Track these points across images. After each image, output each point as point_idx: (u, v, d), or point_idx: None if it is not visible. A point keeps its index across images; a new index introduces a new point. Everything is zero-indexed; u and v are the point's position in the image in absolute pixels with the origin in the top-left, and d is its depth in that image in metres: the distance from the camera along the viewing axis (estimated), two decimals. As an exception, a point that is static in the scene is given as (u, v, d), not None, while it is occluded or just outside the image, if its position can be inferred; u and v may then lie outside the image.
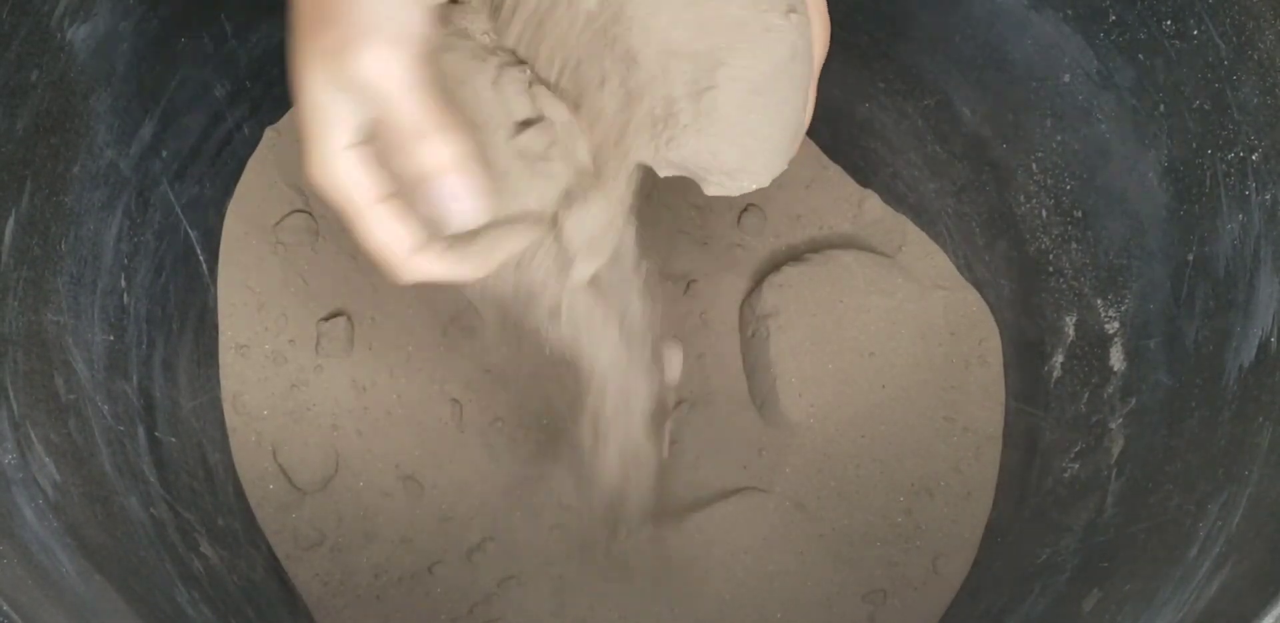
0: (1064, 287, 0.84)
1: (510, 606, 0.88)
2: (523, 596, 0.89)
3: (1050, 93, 0.78)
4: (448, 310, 0.93)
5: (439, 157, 0.48)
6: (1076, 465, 0.81)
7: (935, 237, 0.97)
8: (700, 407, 0.95)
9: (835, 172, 0.99)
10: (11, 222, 0.60)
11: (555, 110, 0.55)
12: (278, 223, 0.89)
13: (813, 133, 0.87)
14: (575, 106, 0.56)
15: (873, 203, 0.98)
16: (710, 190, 0.58)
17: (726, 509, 0.91)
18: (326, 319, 0.90)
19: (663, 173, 0.57)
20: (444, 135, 0.48)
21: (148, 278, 0.77)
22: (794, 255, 0.98)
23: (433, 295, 0.93)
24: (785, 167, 0.57)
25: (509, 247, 0.54)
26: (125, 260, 0.74)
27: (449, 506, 0.91)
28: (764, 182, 0.57)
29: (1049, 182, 0.82)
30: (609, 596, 0.89)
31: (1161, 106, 0.69)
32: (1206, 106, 0.66)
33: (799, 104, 0.56)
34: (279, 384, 0.89)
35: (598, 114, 0.55)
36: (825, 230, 0.99)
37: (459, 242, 0.52)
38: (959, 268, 0.96)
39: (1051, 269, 0.85)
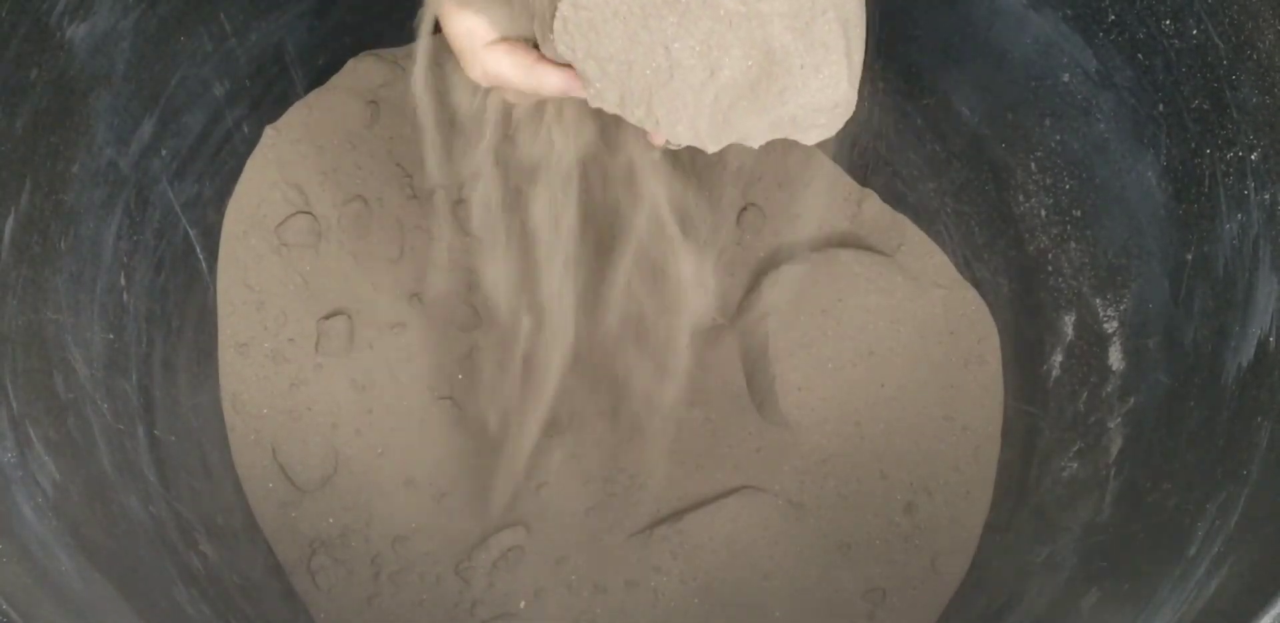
0: (1063, 286, 0.84)
1: (510, 604, 0.88)
2: (523, 594, 0.89)
3: (1049, 92, 0.78)
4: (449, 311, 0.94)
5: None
6: (1075, 465, 0.81)
7: (934, 236, 0.97)
8: (699, 405, 0.95)
9: (834, 170, 0.99)
10: (11, 220, 0.60)
11: None
12: (281, 224, 0.89)
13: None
14: None
15: (872, 202, 0.98)
16: (813, 138, 0.54)
17: (725, 508, 0.91)
18: (326, 318, 0.90)
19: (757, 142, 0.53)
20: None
21: (147, 276, 0.77)
22: (793, 254, 0.98)
23: (436, 295, 0.93)
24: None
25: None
26: (125, 259, 0.74)
27: (448, 504, 0.91)
28: (850, 110, 0.54)
29: (1048, 181, 0.82)
30: (610, 594, 0.89)
31: (1160, 106, 0.69)
32: (1205, 106, 0.66)
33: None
34: (278, 383, 0.89)
35: None
36: (824, 229, 0.99)
37: None
38: (958, 267, 0.96)
39: (1050, 268, 0.85)
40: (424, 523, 0.90)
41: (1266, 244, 0.63)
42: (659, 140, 0.56)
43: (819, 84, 0.51)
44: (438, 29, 0.57)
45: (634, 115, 0.51)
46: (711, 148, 0.52)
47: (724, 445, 0.94)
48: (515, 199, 0.73)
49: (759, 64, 0.50)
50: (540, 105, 0.64)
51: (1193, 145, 0.67)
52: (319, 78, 0.91)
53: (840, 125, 0.54)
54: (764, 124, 0.52)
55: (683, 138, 0.51)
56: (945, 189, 0.93)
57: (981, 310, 0.95)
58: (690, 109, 0.50)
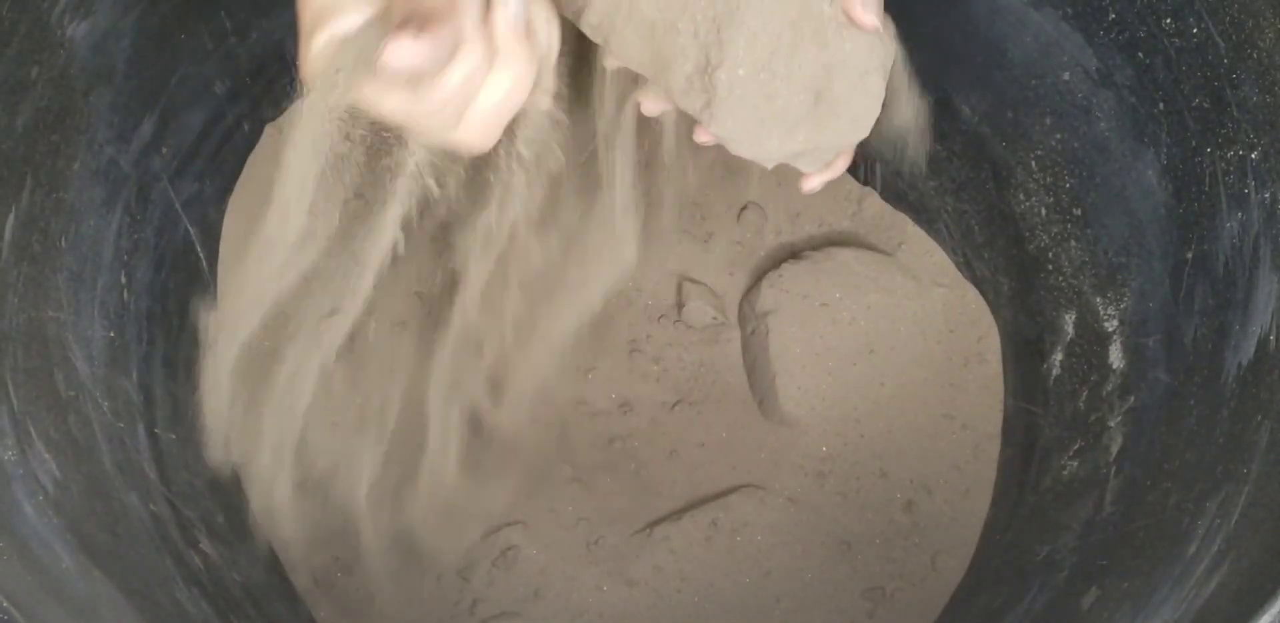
0: (1063, 284, 0.84)
1: (510, 603, 0.88)
2: (523, 594, 0.89)
3: (1050, 91, 0.78)
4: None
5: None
6: (1075, 463, 0.81)
7: (934, 234, 0.97)
8: (700, 404, 0.95)
9: (835, 169, 0.99)
10: (12, 218, 0.60)
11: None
12: (279, 222, 0.89)
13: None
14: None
15: (872, 200, 0.98)
16: (811, 167, 0.60)
17: (725, 506, 0.91)
18: (327, 317, 0.90)
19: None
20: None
21: (148, 275, 0.77)
22: (793, 253, 0.98)
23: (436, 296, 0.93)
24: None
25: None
26: (125, 257, 0.74)
27: (448, 503, 0.91)
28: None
29: (1048, 179, 0.82)
30: (610, 593, 0.89)
31: (1161, 104, 0.69)
32: (1206, 105, 0.66)
33: None
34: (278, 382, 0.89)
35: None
36: (825, 228, 0.99)
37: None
38: (958, 265, 0.96)
39: (1051, 267, 0.85)
40: (423, 521, 0.90)
41: (1267, 243, 0.63)
42: (703, 137, 0.59)
43: (849, 127, 0.58)
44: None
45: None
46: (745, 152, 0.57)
47: (724, 444, 0.94)
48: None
49: (810, 101, 0.56)
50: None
51: (1193, 144, 0.67)
52: (319, 76, 0.91)
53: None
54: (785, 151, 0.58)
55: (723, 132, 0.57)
56: (945, 188, 0.93)
57: (982, 309, 0.95)
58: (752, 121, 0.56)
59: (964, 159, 0.90)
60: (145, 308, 0.76)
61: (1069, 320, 0.84)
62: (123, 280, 0.73)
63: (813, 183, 0.61)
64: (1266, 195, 0.62)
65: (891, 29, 0.57)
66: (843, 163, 0.60)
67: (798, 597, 0.89)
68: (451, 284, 0.94)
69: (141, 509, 0.69)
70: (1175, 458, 0.69)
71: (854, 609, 0.89)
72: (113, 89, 0.69)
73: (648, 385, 0.96)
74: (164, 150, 0.77)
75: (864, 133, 0.58)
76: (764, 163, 0.58)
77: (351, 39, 0.49)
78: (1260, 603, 0.53)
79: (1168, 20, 0.66)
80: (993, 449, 0.93)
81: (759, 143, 0.56)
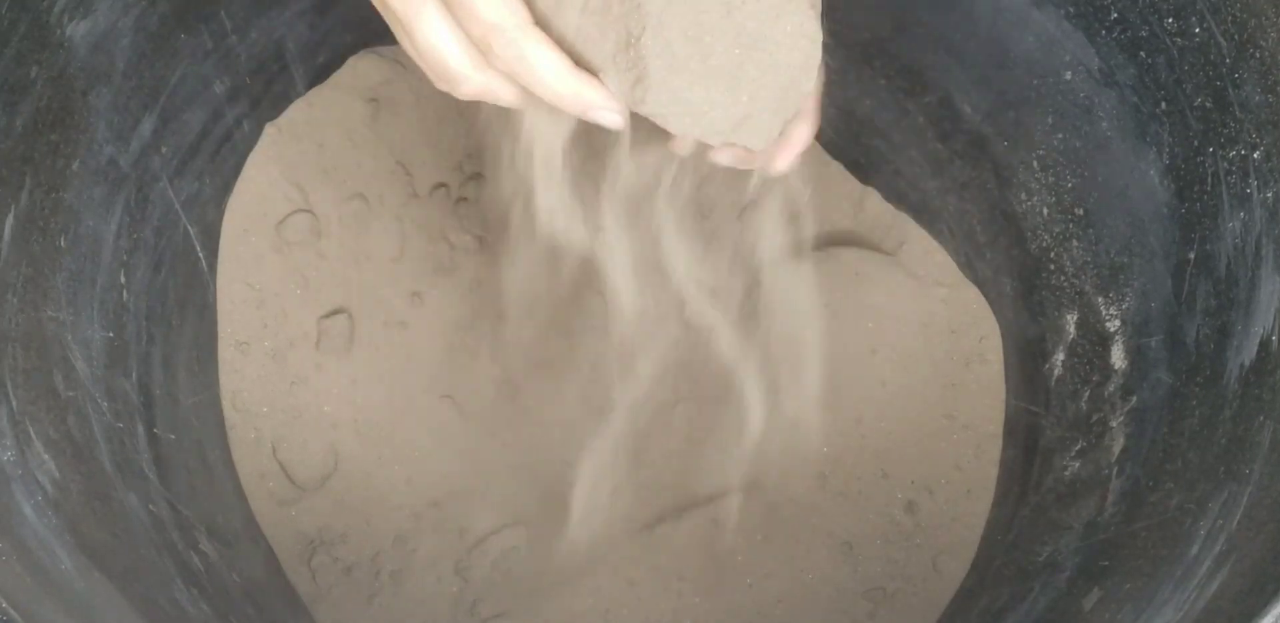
0: (1065, 285, 0.84)
1: (511, 603, 0.88)
2: (523, 593, 0.89)
3: (1052, 90, 0.78)
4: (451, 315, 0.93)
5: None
6: (1077, 464, 0.81)
7: (936, 234, 0.97)
8: (699, 404, 0.95)
9: (836, 169, 0.99)
10: (11, 218, 0.60)
11: None
12: (281, 222, 0.89)
13: (813, 130, 0.87)
14: None
15: (873, 200, 0.98)
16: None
17: (725, 507, 0.91)
18: (327, 317, 0.90)
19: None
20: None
21: (147, 275, 0.77)
22: (794, 253, 0.97)
23: (437, 296, 0.93)
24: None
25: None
26: (125, 257, 0.73)
27: (448, 503, 0.91)
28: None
29: (1050, 179, 0.82)
30: (610, 593, 0.89)
31: (1163, 104, 0.69)
32: (1208, 104, 0.65)
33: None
34: (278, 382, 0.89)
35: None
36: (826, 228, 0.99)
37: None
38: (960, 265, 0.96)
39: (1053, 267, 0.84)
40: (424, 522, 0.90)
41: (1269, 243, 0.62)
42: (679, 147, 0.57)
43: (793, 76, 0.53)
44: None
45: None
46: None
47: (724, 444, 0.94)
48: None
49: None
50: None
51: (1195, 143, 0.67)
52: (319, 75, 0.91)
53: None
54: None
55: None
56: (947, 187, 0.93)
57: (983, 309, 0.95)
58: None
59: (966, 159, 0.90)
60: (145, 308, 0.76)
61: (1071, 321, 0.83)
62: (122, 280, 0.73)
63: (779, 163, 0.57)
64: (1269, 195, 0.62)
65: None
66: (804, 129, 0.55)
67: (798, 597, 0.89)
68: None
69: (141, 509, 0.69)
70: (1177, 459, 0.69)
71: (855, 610, 0.89)
72: (112, 89, 0.69)
73: (647, 385, 0.95)
74: (163, 150, 0.77)
75: (810, 80, 0.53)
76: (709, 139, 0.53)
77: None
78: (1262, 604, 0.52)
79: (1170, 19, 0.66)
80: (994, 450, 0.93)
81: (701, 112, 0.52)
